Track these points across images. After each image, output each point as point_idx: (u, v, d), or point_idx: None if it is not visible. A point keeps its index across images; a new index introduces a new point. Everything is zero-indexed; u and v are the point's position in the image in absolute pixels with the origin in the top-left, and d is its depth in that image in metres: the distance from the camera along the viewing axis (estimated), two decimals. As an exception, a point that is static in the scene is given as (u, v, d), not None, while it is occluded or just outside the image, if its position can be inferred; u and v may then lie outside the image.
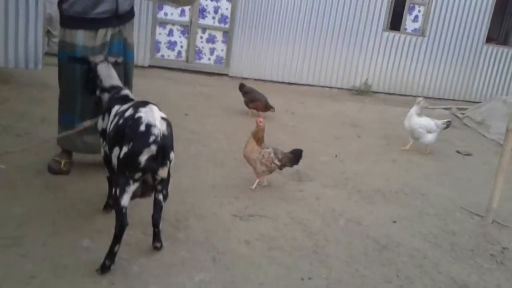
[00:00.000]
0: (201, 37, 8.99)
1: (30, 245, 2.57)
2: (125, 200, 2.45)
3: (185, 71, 8.76)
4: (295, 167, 4.02)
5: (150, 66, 8.63)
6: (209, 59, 9.12)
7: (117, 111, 2.78)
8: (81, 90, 3.35)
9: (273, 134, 5.58)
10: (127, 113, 2.59)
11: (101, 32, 3.44)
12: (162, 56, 8.88)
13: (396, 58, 9.87)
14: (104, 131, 2.89)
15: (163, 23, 8.73)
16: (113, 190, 2.50)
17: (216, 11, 8.92)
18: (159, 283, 2.42)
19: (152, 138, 2.42)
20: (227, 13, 8.93)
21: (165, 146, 2.46)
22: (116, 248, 2.45)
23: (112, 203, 2.51)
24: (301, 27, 9.19)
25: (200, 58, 9.06)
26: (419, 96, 6.05)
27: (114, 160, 2.56)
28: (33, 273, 2.34)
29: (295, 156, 3.95)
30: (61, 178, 3.46)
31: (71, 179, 3.38)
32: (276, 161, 3.82)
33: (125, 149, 2.44)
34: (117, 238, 2.45)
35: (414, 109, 5.53)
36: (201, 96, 7.14)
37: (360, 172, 4.59)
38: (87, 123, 3.12)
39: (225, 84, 8.25)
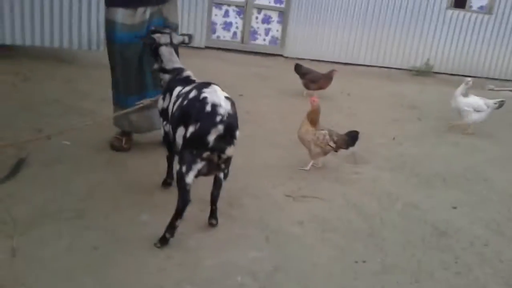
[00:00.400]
0: (257, 18, 8.95)
1: (93, 218, 2.70)
2: (190, 178, 2.51)
3: (240, 52, 8.79)
4: (351, 149, 3.93)
5: (206, 47, 8.72)
6: (264, 39, 9.08)
7: (179, 92, 2.82)
8: (132, 68, 3.47)
9: (329, 115, 5.48)
10: (191, 94, 2.62)
11: (140, 10, 3.49)
12: (218, 37, 8.94)
13: (460, 37, 9.38)
14: (164, 110, 2.96)
15: (219, 4, 8.77)
16: (179, 167, 2.53)
17: (272, -9, 8.84)
18: (214, 258, 2.47)
19: (218, 118, 2.46)
20: (283, -8, 8.83)
21: (231, 125, 2.50)
22: (177, 222, 2.53)
23: (178, 180, 2.56)
24: (359, 6, 8.91)
25: (255, 39, 9.05)
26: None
27: (179, 140, 2.60)
28: (95, 244, 2.45)
29: (351, 138, 3.87)
30: (122, 155, 3.60)
31: (132, 156, 3.49)
32: (331, 143, 3.75)
33: (191, 129, 2.47)
34: (179, 213, 2.53)
35: (460, 89, 5.31)
36: (256, 76, 7.14)
37: (419, 156, 4.43)
38: (146, 101, 3.21)
39: (280, 65, 8.20)
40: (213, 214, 2.80)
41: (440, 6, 9.11)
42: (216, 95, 2.56)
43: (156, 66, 3.22)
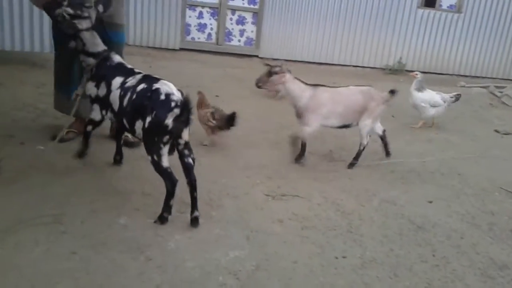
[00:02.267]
0: (231, 19, 8.96)
1: (70, 222, 2.65)
2: (165, 162, 2.74)
3: (215, 53, 8.77)
4: (328, 147, 3.98)
5: (181, 49, 8.67)
6: (239, 40, 9.09)
7: (122, 84, 2.98)
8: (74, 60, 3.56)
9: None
10: (140, 88, 2.83)
11: None
12: (193, 38, 8.90)
13: (431, 35, 9.59)
14: (101, 99, 3.11)
15: (193, 6, 8.74)
16: (150, 157, 2.74)
17: (245, -8, 8.85)
18: (195, 259, 2.46)
19: (173, 104, 2.69)
20: (257, -7, 8.85)
21: (186, 106, 2.68)
22: (171, 202, 2.79)
23: (156, 168, 2.76)
24: (332, 6, 9.02)
25: (230, 40, 9.04)
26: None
27: (139, 131, 2.81)
28: (73, 249, 2.41)
29: (228, 118, 4.11)
30: (98, 159, 3.54)
31: (108, 160, 3.44)
32: (212, 120, 4.08)
33: (149, 118, 2.68)
34: (171, 194, 2.77)
35: (413, 84, 5.43)
36: (232, 78, 7.14)
37: (394, 152, 4.50)
38: (79, 91, 3.25)
39: (255, 66, 8.21)
40: (195, 204, 2.83)
41: (411, 6, 9.30)
42: (167, 86, 2.79)
43: (75, 45, 3.20)
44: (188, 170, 2.80)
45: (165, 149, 2.73)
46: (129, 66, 3.18)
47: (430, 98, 5.31)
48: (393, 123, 5.64)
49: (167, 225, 2.76)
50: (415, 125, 5.48)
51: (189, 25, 8.83)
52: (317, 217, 3.09)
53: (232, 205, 3.12)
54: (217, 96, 5.90)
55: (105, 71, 3.13)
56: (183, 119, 2.69)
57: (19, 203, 2.79)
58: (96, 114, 3.21)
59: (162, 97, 2.71)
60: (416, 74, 5.43)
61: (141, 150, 3.68)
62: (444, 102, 5.34)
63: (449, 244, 2.95)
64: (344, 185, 3.65)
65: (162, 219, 2.78)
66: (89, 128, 3.31)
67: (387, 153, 4.28)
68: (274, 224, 2.95)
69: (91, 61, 3.19)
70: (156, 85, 2.78)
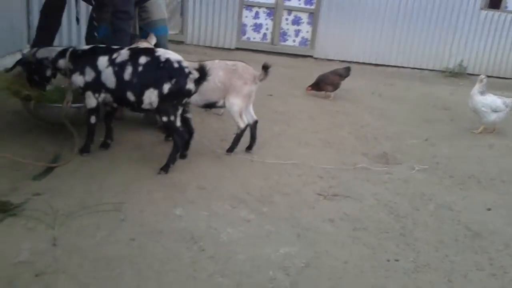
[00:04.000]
0: (287, 19, 8.98)
1: (129, 211, 2.78)
2: (178, 122, 3.28)
3: (270, 53, 8.82)
4: (382, 149, 3.91)
5: (237, 49, 8.80)
6: (294, 41, 9.10)
7: (110, 61, 3.24)
8: None
9: (359, 115, 5.48)
10: (144, 60, 3.19)
11: None
12: (248, 38, 9.01)
13: (495, 38, 9.16)
14: (91, 83, 3.30)
15: (249, 6, 8.85)
16: (166, 118, 3.23)
17: (302, -8, 8.85)
18: (246, 252, 2.50)
19: (187, 70, 3.19)
20: (314, -7, 8.82)
21: (204, 71, 3.20)
22: (177, 155, 3.36)
23: (171, 128, 3.29)
24: (391, 6, 8.83)
25: (285, 40, 9.07)
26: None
27: (149, 100, 3.20)
28: (132, 236, 2.52)
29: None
30: (157, 151, 3.68)
31: (165, 153, 3.56)
32: None
33: (167, 85, 3.14)
34: (178, 148, 3.33)
35: (476, 87, 5.15)
36: (286, 77, 7.16)
37: (452, 157, 4.36)
38: (68, 98, 3.42)
39: (309, 66, 8.20)
40: (187, 148, 3.59)
41: (474, 7, 8.92)
42: (171, 54, 3.23)
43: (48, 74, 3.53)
44: (188, 122, 3.53)
45: (179, 110, 3.28)
46: (100, 46, 3.43)
47: (492, 103, 5.08)
48: (452, 127, 5.45)
49: (220, 219, 2.83)
50: (475, 130, 5.26)
51: (245, 25, 8.94)
52: (369, 219, 3.06)
53: (283, 203, 3.15)
54: (270, 95, 5.96)
55: (82, 58, 3.34)
56: (199, 83, 3.22)
57: (82, 190, 2.95)
58: (91, 101, 3.36)
59: (176, 65, 3.17)
60: (483, 78, 5.21)
61: (198, 146, 3.81)
62: (506, 107, 5.09)
63: (508, 253, 2.82)
64: (398, 187, 3.58)
65: (166, 168, 3.29)
66: (92, 119, 3.41)
67: (249, 147, 3.91)
68: (325, 223, 2.95)
69: (62, 62, 3.40)
70: (163, 55, 3.19)
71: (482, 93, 5.12)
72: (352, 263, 2.54)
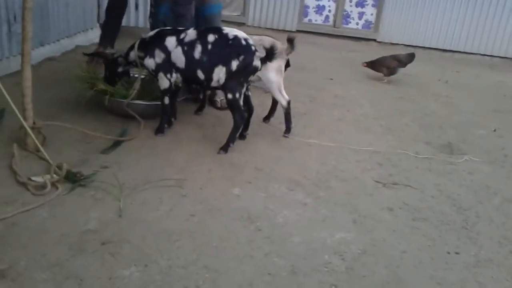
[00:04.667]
0: (350, 1, 8.73)
1: (190, 187, 2.87)
2: (241, 100, 3.36)
3: (332, 36, 8.65)
4: (447, 139, 3.76)
5: (298, 31, 8.69)
6: (357, 23, 8.84)
7: (178, 41, 3.35)
8: None
9: (423, 102, 5.28)
10: (213, 38, 3.29)
11: None
12: (310, 20, 8.87)
13: None
14: (162, 64, 3.41)
15: (313, -13, 8.68)
16: (231, 95, 3.30)
17: (368, -27, 8.55)
18: (302, 235, 2.52)
19: (253, 47, 3.29)
20: (380, -26, 8.50)
21: (274, 46, 3.31)
22: (237, 134, 3.43)
23: (233, 105, 3.34)
24: (463, -12, 8.33)
25: (347, 23, 8.84)
26: None
27: (217, 77, 3.28)
28: (192, 212, 2.61)
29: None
30: (218, 131, 3.76)
31: (224, 134, 3.61)
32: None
33: (235, 62, 3.22)
34: (239, 126, 3.41)
35: None
36: (347, 61, 7.02)
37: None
38: (137, 85, 3.59)
39: (372, 50, 7.96)
40: (247, 127, 3.65)
41: (556, -11, 8.24)
42: (238, 32, 3.31)
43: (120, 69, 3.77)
44: (248, 100, 3.58)
45: (244, 89, 3.37)
46: (166, 28, 3.56)
47: None
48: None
49: (277, 200, 2.86)
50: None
51: (308, 6, 8.79)
52: (430, 210, 2.97)
53: (341, 188, 3.12)
54: (331, 79, 5.87)
55: (151, 42, 3.47)
56: (267, 60, 3.31)
57: (147, 166, 3.08)
58: (163, 82, 3.45)
59: (243, 42, 3.26)
60: None
61: (256, 127, 3.85)
62: None
63: None
64: (462, 179, 3.44)
65: (226, 147, 3.37)
66: (166, 100, 3.52)
67: (267, 117, 4.08)
68: (383, 211, 2.90)
69: (133, 55, 3.57)
70: (230, 33, 3.28)
71: None
72: (411, 253, 2.49)
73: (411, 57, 5.98)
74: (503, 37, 8.48)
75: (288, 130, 3.85)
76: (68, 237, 2.31)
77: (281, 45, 3.77)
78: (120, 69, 3.76)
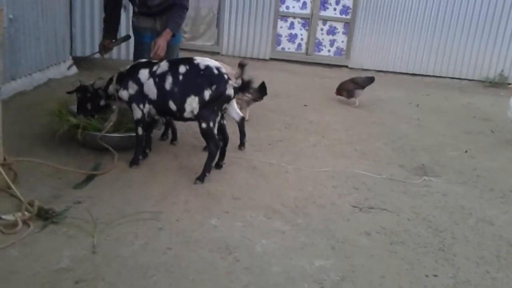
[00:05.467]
0: (322, 29, 8.96)
1: (166, 220, 2.83)
2: (216, 129, 3.36)
3: (305, 63, 8.82)
4: (420, 161, 3.83)
5: (271, 59, 8.84)
6: (329, 51, 9.06)
7: (151, 74, 3.39)
8: None
9: (396, 126, 5.39)
10: (184, 69, 3.31)
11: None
12: (283, 48, 9.04)
13: (539, 46, 8.81)
14: (134, 96, 3.44)
15: (284, 17, 8.88)
16: (205, 124, 3.30)
17: (337, 2, 8.82)
18: (281, 264, 2.50)
19: (226, 76, 3.31)
20: (349, 3, 8.79)
21: (248, 82, 3.40)
22: (213, 163, 3.44)
23: (207, 134, 3.35)
24: (429, 15, 8.67)
25: (319, 50, 9.05)
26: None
27: (190, 108, 3.29)
28: (168, 245, 2.57)
29: (260, 88, 4.65)
30: (193, 161, 3.74)
31: (201, 164, 3.60)
32: (248, 94, 4.52)
33: (208, 92, 3.24)
34: (213, 156, 3.41)
35: None
36: (320, 87, 7.15)
37: (494, 170, 4.22)
38: (113, 117, 3.63)
39: (344, 76, 8.12)
40: (223, 156, 3.65)
41: (516, 14, 8.64)
42: (210, 61, 3.35)
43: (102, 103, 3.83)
44: (224, 129, 3.57)
45: (218, 117, 3.38)
46: (142, 60, 3.61)
47: None
48: (493, 138, 5.28)
49: (254, 229, 2.84)
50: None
51: (280, 35, 8.98)
52: (406, 233, 2.99)
53: (318, 214, 3.13)
54: (305, 105, 5.95)
55: (126, 74, 3.52)
56: (241, 88, 3.39)
57: (121, 199, 3.03)
58: (137, 113, 3.47)
59: (215, 71, 3.29)
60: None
61: (233, 156, 3.85)
62: None
63: (555, 272, 2.70)
64: (437, 201, 3.49)
65: (202, 178, 3.34)
66: (140, 131, 3.52)
67: (241, 144, 4.11)
68: (361, 236, 2.91)
69: (111, 88, 3.62)
70: (202, 63, 3.31)
71: None
72: (390, 278, 2.49)
73: (369, 80, 6.22)
74: (470, 60, 8.81)
75: (242, 144, 4.08)
76: (40, 276, 2.23)
77: (230, 69, 4.03)
78: (102, 102, 3.77)
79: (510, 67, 8.82)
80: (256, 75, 4.12)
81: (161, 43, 3.79)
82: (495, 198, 3.64)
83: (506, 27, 8.67)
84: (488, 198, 3.64)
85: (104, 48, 4.12)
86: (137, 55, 4.23)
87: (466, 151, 4.69)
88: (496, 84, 8.62)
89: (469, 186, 3.83)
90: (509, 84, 5.03)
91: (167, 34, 3.85)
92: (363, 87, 6.14)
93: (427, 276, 2.54)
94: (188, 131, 4.40)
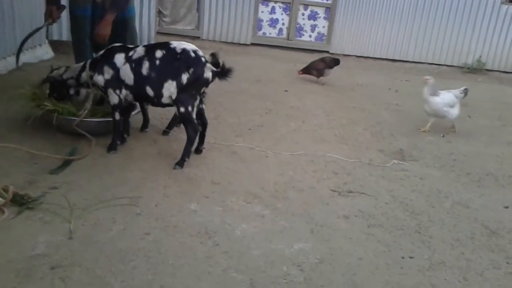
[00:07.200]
0: (303, 14, 8.94)
1: (145, 205, 2.81)
2: (194, 113, 3.30)
3: (286, 48, 8.81)
4: (398, 146, 3.87)
5: (252, 44, 8.79)
6: (310, 36, 9.05)
7: (127, 59, 3.31)
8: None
9: (375, 111, 5.43)
10: (160, 54, 3.24)
11: None
12: (264, 33, 8.99)
13: (516, 33, 8.96)
14: (111, 80, 3.37)
15: (265, 1, 8.82)
16: (184, 108, 3.24)
17: (318, -13, 8.78)
18: (260, 248, 2.51)
19: (203, 59, 3.25)
20: (330, -12, 8.75)
21: (227, 69, 3.26)
22: (192, 148, 3.39)
23: (186, 118, 3.28)
24: (409, 1, 8.72)
25: (301, 35, 9.03)
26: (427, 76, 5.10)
27: (168, 92, 3.23)
28: (147, 230, 2.55)
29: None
30: (172, 147, 3.71)
31: (181, 149, 3.58)
32: None
33: (185, 75, 3.18)
34: (192, 140, 3.36)
35: (426, 91, 4.76)
36: (301, 73, 7.13)
37: (470, 154, 4.30)
38: (87, 105, 3.56)
39: (325, 61, 8.14)
40: (203, 141, 3.60)
41: (494, 1, 8.75)
42: (187, 45, 3.27)
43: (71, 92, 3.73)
44: (203, 113, 3.50)
45: (197, 101, 3.31)
46: (116, 45, 3.49)
47: (449, 99, 4.77)
48: (470, 123, 5.37)
49: (234, 214, 2.84)
50: (423, 127, 4.93)
51: (261, 20, 8.92)
52: (384, 216, 3.03)
53: (298, 198, 3.14)
54: (286, 90, 5.95)
55: (100, 60, 3.44)
56: (219, 74, 3.27)
57: (99, 185, 2.99)
58: (113, 98, 3.42)
59: (192, 54, 3.22)
60: (427, 79, 4.87)
61: (213, 141, 3.83)
62: (456, 98, 4.81)
63: (527, 253, 2.78)
64: (414, 184, 3.54)
65: (181, 163, 3.32)
66: (117, 116, 3.46)
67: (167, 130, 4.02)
68: (340, 219, 2.94)
69: (84, 75, 3.55)
70: (178, 47, 3.24)
71: (433, 94, 4.81)
72: (367, 260, 2.53)
73: (334, 61, 6.49)
74: (448, 46, 8.91)
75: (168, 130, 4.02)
76: (15, 263, 2.19)
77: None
78: (71, 91, 3.70)
79: (488, 53, 8.96)
80: (236, 60, 4.09)
81: (102, 31, 3.71)
82: (471, 182, 3.71)
83: (484, 13, 8.78)
84: (464, 182, 3.71)
85: (52, 14, 3.85)
86: (76, 30, 3.98)
87: (443, 136, 4.76)
88: (474, 70, 8.76)
89: (446, 170, 3.90)
90: (427, 77, 4.79)
91: (109, 17, 3.72)
92: (331, 67, 6.42)
93: (403, 258, 2.58)
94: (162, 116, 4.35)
